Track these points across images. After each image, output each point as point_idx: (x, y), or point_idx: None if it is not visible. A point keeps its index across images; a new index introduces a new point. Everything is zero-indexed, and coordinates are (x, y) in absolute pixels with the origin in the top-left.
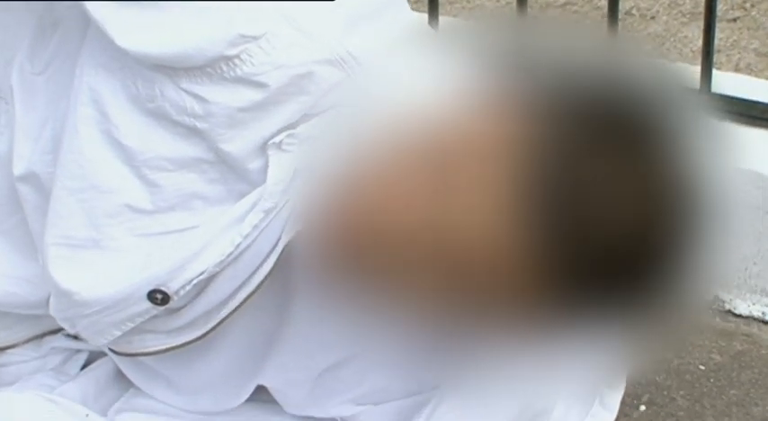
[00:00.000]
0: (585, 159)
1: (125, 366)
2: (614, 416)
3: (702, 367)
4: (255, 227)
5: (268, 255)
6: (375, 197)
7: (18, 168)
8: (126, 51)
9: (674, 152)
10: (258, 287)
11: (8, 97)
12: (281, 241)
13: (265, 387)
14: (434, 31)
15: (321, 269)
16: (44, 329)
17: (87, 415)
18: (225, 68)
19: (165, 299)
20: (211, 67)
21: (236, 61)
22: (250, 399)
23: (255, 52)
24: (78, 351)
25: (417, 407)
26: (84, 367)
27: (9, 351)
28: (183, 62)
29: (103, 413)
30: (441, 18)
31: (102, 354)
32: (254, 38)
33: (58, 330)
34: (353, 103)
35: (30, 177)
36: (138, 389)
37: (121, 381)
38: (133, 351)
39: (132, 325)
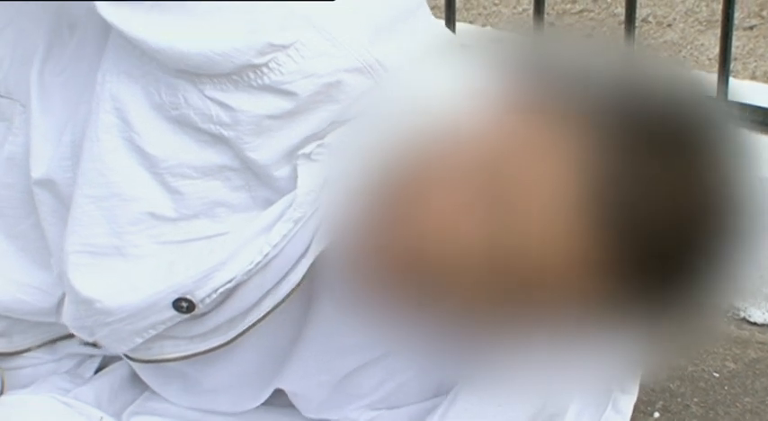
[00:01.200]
0: (636, 164)
1: (140, 369)
2: (627, 419)
3: (717, 374)
4: (285, 236)
5: (296, 265)
6: (418, 215)
7: (36, 172)
8: (153, 53)
9: (713, 159)
10: (286, 298)
11: (24, 100)
12: (310, 251)
13: (281, 391)
14: (458, 39)
15: (353, 283)
16: (58, 334)
17: (102, 418)
18: (252, 76)
19: (191, 307)
20: (237, 75)
21: (264, 70)
22: (266, 403)
23: (284, 61)
24: (92, 355)
25: (431, 410)
26: (98, 370)
27: (24, 354)
28: (209, 69)
29: (117, 416)
30: (457, 24)
31: (117, 358)
32: (284, 47)
33: (72, 336)
34: (382, 110)
35: (47, 182)
36: (152, 392)
37: (136, 385)
38: (151, 357)
39: (155, 332)
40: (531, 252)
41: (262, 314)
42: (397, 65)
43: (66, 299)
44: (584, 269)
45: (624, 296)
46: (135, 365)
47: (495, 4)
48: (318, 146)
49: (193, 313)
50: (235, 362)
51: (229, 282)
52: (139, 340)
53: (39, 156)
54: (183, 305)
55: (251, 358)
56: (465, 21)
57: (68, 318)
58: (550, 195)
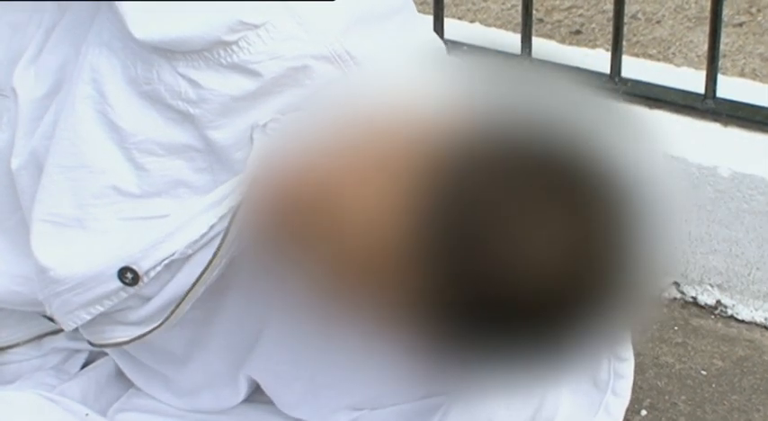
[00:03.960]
0: (489, 192)
1: (125, 366)
2: None
3: (704, 372)
4: (232, 209)
5: (221, 242)
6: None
7: (16, 160)
8: (132, 36)
9: (593, 159)
10: (208, 265)
11: (11, 95)
12: (233, 225)
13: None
14: (443, 46)
15: (257, 243)
16: (45, 330)
17: (87, 414)
18: (222, 54)
19: (135, 279)
20: (209, 52)
21: (234, 48)
22: (251, 401)
23: (254, 40)
24: (78, 351)
25: (415, 414)
26: (84, 366)
27: (10, 350)
28: (182, 46)
29: (103, 412)
30: (446, 20)
31: (103, 354)
32: (254, 26)
33: (59, 330)
34: (343, 102)
35: (29, 165)
36: (137, 388)
37: (121, 381)
38: (105, 341)
39: (101, 308)
40: (356, 226)
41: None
42: (370, 59)
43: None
44: (418, 306)
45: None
46: (118, 360)
47: (484, 0)
48: (274, 120)
49: (138, 289)
50: (204, 361)
51: (174, 254)
52: (87, 316)
53: (20, 144)
54: (128, 276)
55: (218, 354)
56: (454, 17)
57: (37, 291)
58: (373, 224)
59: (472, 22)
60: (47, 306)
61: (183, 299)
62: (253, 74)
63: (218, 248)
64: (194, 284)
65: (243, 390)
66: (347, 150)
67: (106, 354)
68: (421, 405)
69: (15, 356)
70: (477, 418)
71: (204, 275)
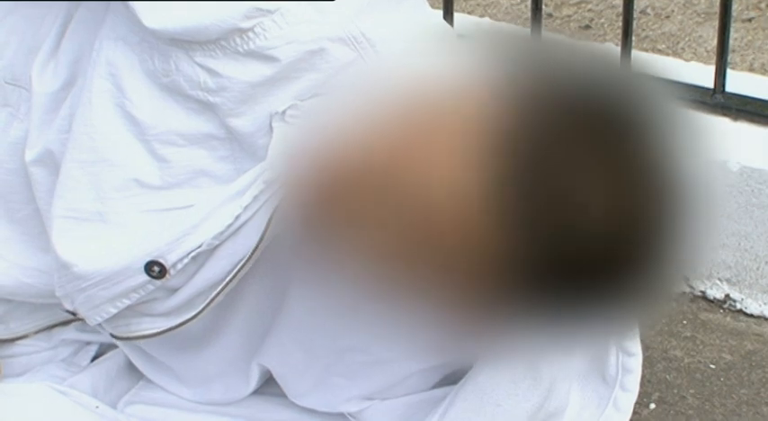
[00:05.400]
0: (556, 149)
1: (136, 358)
2: (628, 417)
3: (713, 366)
4: (256, 198)
5: (263, 234)
6: (355, 154)
7: (31, 152)
8: (147, 28)
9: (647, 142)
10: (246, 262)
11: (29, 86)
12: (274, 215)
13: (275, 383)
14: (452, 29)
15: (301, 229)
16: (55, 320)
17: (97, 406)
18: (239, 41)
19: (162, 272)
20: (225, 40)
21: (250, 34)
22: (260, 393)
23: (269, 26)
24: (89, 343)
25: (426, 404)
26: (94, 359)
27: (19, 342)
28: (199, 35)
29: (113, 405)
30: (455, 15)
31: (113, 346)
32: (269, 11)
33: (69, 322)
34: (361, 85)
35: (44, 157)
36: (148, 381)
37: (132, 374)
38: (131, 334)
39: (128, 302)
40: (438, 242)
41: (229, 279)
42: (385, 42)
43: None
44: (493, 268)
45: (532, 287)
46: (129, 352)
47: None
48: (292, 107)
49: (165, 282)
50: (219, 349)
51: (200, 246)
52: (113, 310)
53: (35, 136)
54: (156, 269)
55: (234, 342)
56: (463, 11)
57: (56, 287)
58: (449, 191)
59: (482, 16)
60: (67, 301)
61: (218, 291)
62: (270, 59)
63: (260, 241)
64: (233, 277)
65: (254, 381)
66: (399, 125)
67: (116, 347)
68: (431, 395)
69: (25, 348)
70: (485, 404)
71: (243, 268)
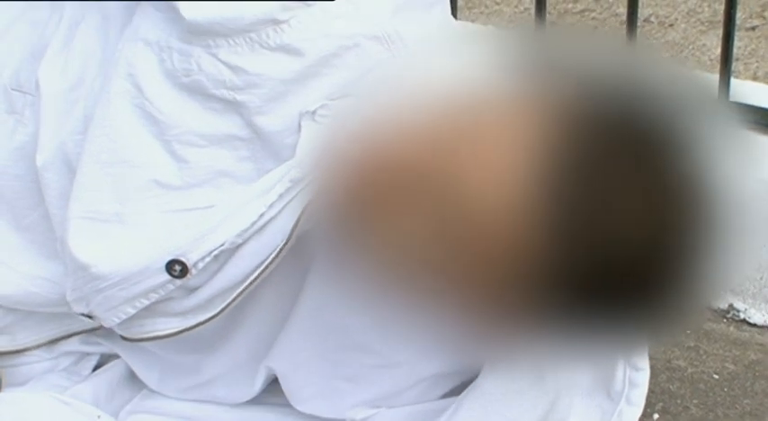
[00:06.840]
0: (601, 163)
1: (137, 367)
2: None
3: (716, 376)
4: (281, 196)
5: (292, 232)
6: (388, 150)
7: (41, 156)
8: (172, 27)
9: (689, 161)
10: (272, 262)
11: (34, 90)
12: (304, 214)
13: (279, 392)
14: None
15: (331, 226)
16: (61, 333)
17: (99, 416)
18: (271, 34)
19: (184, 271)
20: (256, 33)
21: (284, 27)
22: (263, 402)
23: (305, 19)
24: (89, 353)
25: (432, 414)
26: (96, 369)
27: (24, 352)
28: (233, 23)
29: (115, 414)
30: (459, 23)
31: (114, 357)
32: (307, 4)
33: (73, 334)
34: (392, 85)
35: (56, 161)
36: (150, 390)
37: (133, 383)
38: (144, 335)
39: (147, 302)
40: (477, 247)
41: (251, 280)
42: (416, 41)
43: (68, 269)
44: (534, 274)
45: (573, 296)
46: (130, 359)
47: (497, 3)
48: (323, 106)
49: (185, 281)
50: (229, 350)
51: (222, 244)
52: (131, 310)
53: (46, 139)
54: (177, 268)
55: (245, 344)
56: (467, 20)
57: (68, 291)
58: (493, 198)
59: (485, 25)
60: (80, 304)
61: (241, 291)
62: (299, 53)
63: (288, 240)
64: (257, 277)
65: (259, 384)
66: (442, 128)
67: (117, 357)
68: (438, 405)
69: (27, 358)
70: (490, 413)
71: (268, 268)
